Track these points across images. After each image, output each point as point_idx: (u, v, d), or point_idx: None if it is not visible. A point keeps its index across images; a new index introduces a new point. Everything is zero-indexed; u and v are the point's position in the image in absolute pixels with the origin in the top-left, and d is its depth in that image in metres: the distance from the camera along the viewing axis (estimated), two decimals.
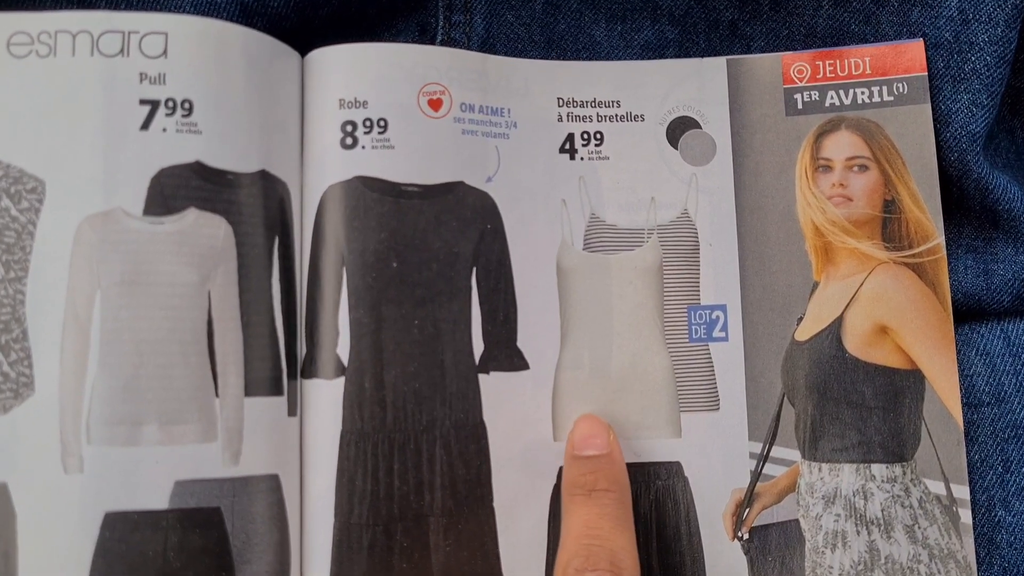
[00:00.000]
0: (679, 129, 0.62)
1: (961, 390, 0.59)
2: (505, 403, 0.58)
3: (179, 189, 0.52)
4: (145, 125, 0.52)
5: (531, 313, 0.60)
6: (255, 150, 0.54)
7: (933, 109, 0.60)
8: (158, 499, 0.50)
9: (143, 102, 0.52)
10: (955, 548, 0.57)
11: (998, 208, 0.61)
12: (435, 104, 0.58)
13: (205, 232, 0.53)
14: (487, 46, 0.63)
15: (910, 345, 0.58)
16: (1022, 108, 0.66)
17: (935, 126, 0.60)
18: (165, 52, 0.53)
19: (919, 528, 0.57)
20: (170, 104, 0.52)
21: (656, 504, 0.59)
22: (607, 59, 0.64)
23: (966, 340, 0.61)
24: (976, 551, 0.58)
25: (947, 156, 0.60)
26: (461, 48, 0.62)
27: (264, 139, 0.55)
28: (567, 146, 0.61)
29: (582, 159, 0.61)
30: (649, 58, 0.64)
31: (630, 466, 0.58)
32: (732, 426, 0.60)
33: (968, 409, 0.60)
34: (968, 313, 0.62)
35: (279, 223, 0.56)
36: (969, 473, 0.59)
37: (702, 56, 0.64)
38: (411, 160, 0.57)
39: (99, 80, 0.52)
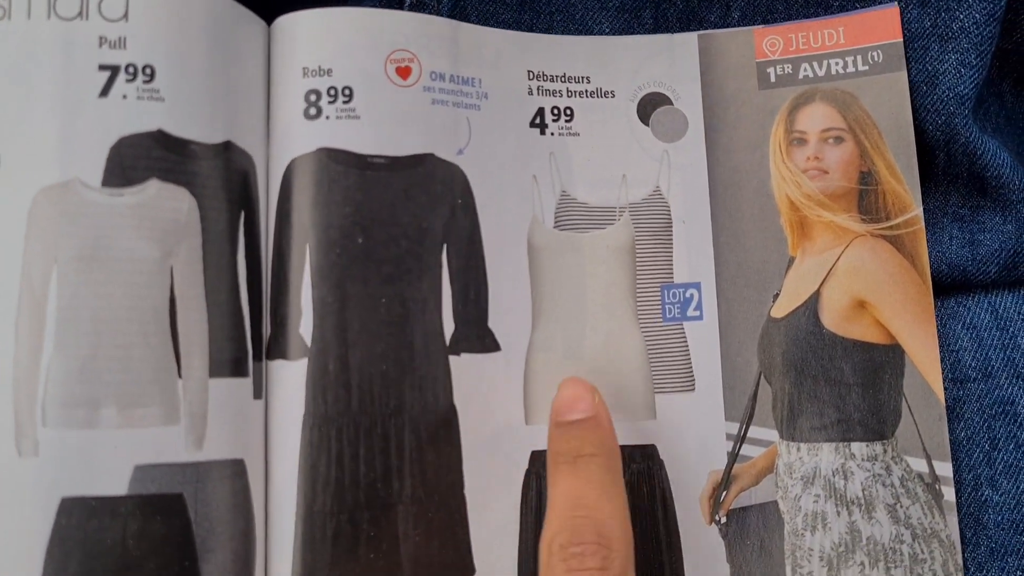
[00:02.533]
0: (650, 106, 0.61)
1: (946, 365, 0.59)
2: (476, 386, 0.57)
3: (140, 159, 0.50)
4: (104, 92, 0.50)
5: (502, 292, 0.58)
6: (220, 120, 0.52)
7: (919, 71, 0.59)
8: (117, 484, 0.48)
9: (102, 67, 0.50)
10: (939, 527, 0.56)
11: (986, 175, 0.59)
12: (403, 72, 0.56)
13: (168, 205, 0.51)
14: (458, 7, 0.61)
15: (889, 319, 0.57)
16: (1011, 70, 0.65)
17: (921, 88, 0.59)
18: (126, 15, 0.51)
19: (901, 507, 0.56)
20: (131, 70, 0.50)
21: (631, 488, 0.57)
22: (581, 19, 0.62)
23: (951, 313, 0.60)
24: (961, 531, 0.57)
25: (933, 120, 0.59)
26: (431, 10, 0.60)
27: (229, 108, 0.53)
28: (537, 120, 0.60)
29: (552, 134, 0.60)
30: (624, 19, 0.63)
31: None
32: (708, 407, 0.59)
33: (953, 385, 0.59)
34: (953, 285, 0.61)
35: (244, 197, 0.54)
36: (955, 451, 0.58)
37: (679, 16, 0.62)
38: (378, 130, 0.55)
39: (56, 44, 0.50)
